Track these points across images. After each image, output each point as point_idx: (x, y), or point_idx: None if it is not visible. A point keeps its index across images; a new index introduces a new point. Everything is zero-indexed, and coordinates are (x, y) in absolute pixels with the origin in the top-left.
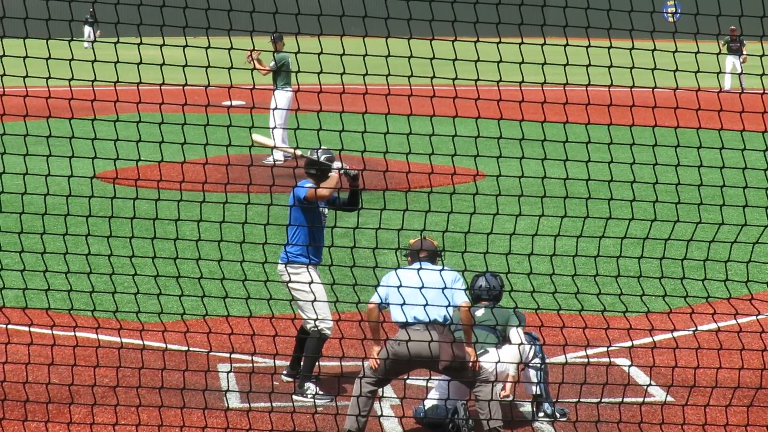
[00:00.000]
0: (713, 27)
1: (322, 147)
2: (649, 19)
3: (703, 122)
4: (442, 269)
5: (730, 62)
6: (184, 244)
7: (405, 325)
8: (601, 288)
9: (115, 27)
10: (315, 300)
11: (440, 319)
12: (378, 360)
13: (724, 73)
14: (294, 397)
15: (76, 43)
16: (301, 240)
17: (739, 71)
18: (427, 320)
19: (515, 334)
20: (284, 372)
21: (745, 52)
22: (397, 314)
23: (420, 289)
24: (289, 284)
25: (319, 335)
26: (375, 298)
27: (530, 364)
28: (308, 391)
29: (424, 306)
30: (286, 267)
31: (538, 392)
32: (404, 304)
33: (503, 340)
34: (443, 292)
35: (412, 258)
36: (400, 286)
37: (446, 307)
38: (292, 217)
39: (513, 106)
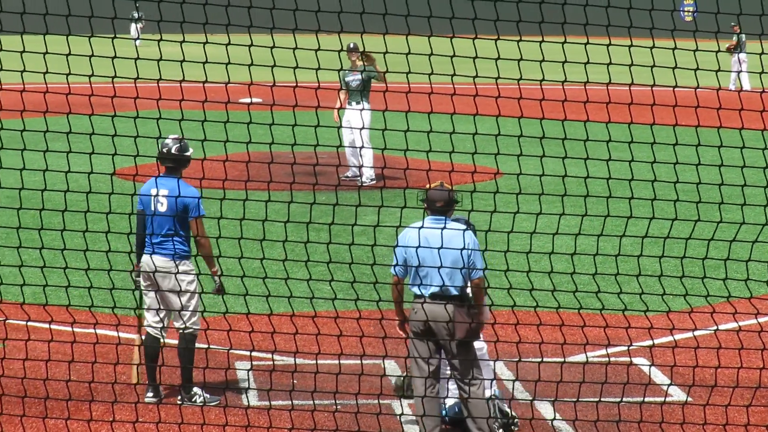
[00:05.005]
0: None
1: (172, 136)
2: (670, 17)
3: (723, 121)
4: (453, 229)
5: (737, 60)
6: None
7: (420, 297)
8: (622, 287)
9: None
10: (198, 293)
11: (456, 292)
12: (402, 329)
13: (732, 71)
14: (185, 403)
15: (96, 39)
16: (185, 234)
17: (743, 69)
18: (444, 293)
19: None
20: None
21: (741, 49)
22: (413, 286)
23: (441, 251)
24: (180, 279)
25: (193, 334)
26: (395, 272)
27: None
28: (197, 398)
29: (440, 278)
30: (176, 262)
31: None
32: (420, 276)
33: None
34: (459, 263)
35: (428, 206)
36: (419, 266)
37: (462, 276)
38: (178, 210)
39: (533, 104)
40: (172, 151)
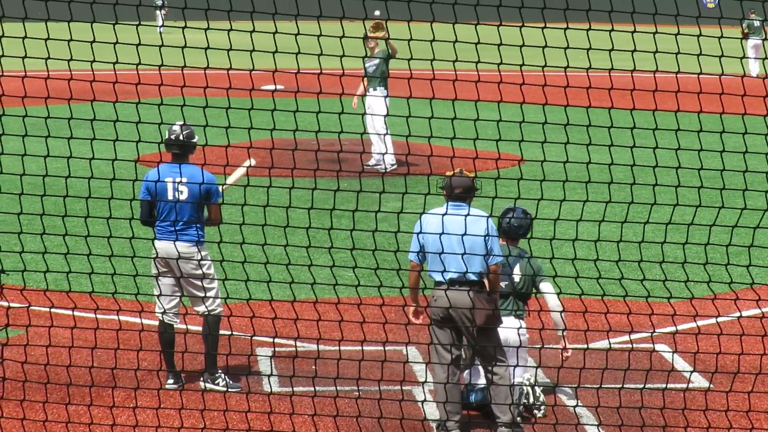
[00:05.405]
0: (759, 11)
1: (179, 123)
2: (694, 4)
3: (747, 108)
4: (473, 215)
5: (758, 45)
6: (227, 227)
7: (439, 284)
8: (645, 273)
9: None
10: (221, 279)
11: (476, 278)
12: (416, 317)
13: (749, 57)
14: (207, 386)
15: (120, 26)
16: (202, 220)
17: (758, 55)
18: (464, 279)
19: (548, 286)
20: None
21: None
22: (433, 272)
23: (460, 238)
24: (201, 264)
25: (219, 316)
26: (414, 258)
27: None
28: (220, 380)
29: (460, 264)
30: (198, 248)
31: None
32: (439, 262)
33: (534, 289)
34: (479, 249)
35: (447, 192)
36: (441, 252)
37: (481, 262)
38: (201, 196)
39: (558, 91)
40: (180, 137)
